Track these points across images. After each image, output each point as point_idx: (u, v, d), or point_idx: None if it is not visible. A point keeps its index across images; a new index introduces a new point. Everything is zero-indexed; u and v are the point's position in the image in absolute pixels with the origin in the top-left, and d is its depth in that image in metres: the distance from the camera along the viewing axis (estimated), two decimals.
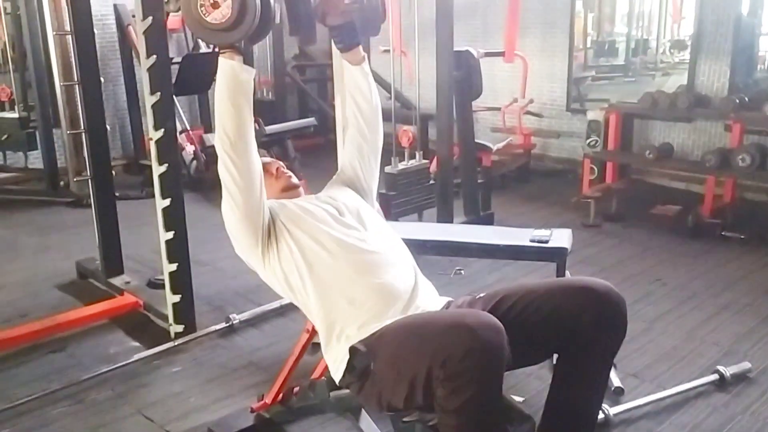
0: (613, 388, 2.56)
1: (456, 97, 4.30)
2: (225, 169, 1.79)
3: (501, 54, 5.36)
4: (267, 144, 5.37)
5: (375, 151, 2.17)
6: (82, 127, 3.52)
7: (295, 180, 2.16)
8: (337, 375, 1.79)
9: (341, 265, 1.83)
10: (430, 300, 1.90)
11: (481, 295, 1.89)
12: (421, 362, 1.50)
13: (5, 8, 5.82)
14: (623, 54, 6.84)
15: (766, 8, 5.20)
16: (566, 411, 1.85)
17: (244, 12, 1.63)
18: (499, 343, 1.48)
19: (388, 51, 4.69)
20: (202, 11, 1.63)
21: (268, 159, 2.18)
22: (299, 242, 1.86)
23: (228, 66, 1.72)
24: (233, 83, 1.73)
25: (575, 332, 1.73)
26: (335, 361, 1.79)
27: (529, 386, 2.65)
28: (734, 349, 2.95)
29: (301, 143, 6.54)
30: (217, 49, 1.76)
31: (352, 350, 1.69)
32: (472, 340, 1.45)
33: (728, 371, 2.65)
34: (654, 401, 2.54)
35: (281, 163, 2.20)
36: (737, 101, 4.41)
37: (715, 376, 2.66)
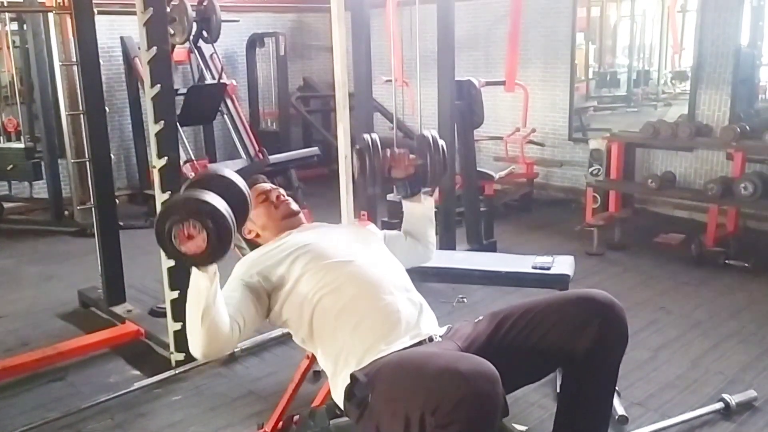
0: (617, 417, 2.53)
1: (458, 126, 4.33)
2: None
3: (502, 83, 5.41)
4: (270, 174, 5.38)
5: (411, 264, 2.24)
6: (87, 157, 3.55)
7: (294, 206, 2.17)
8: (340, 401, 1.78)
9: (346, 292, 1.83)
10: (432, 326, 1.89)
11: (481, 318, 1.89)
12: (414, 405, 1.46)
13: (14, 41, 5.93)
14: (625, 85, 6.92)
15: (766, 39, 5.25)
16: (575, 427, 1.83)
17: (219, 242, 1.59)
18: (493, 393, 1.42)
19: (390, 81, 4.75)
20: (175, 242, 1.58)
21: (267, 186, 2.20)
22: (302, 287, 1.87)
23: (194, 278, 1.67)
24: (198, 290, 1.66)
25: (579, 343, 1.72)
26: (339, 387, 1.78)
27: (531, 415, 2.63)
28: (739, 377, 2.92)
29: (305, 173, 6.57)
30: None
31: (353, 378, 1.68)
32: (465, 389, 1.39)
33: (734, 400, 2.62)
34: (659, 430, 2.51)
35: (281, 190, 2.21)
36: (738, 130, 4.42)
37: (720, 405, 2.63)
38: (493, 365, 1.46)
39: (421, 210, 2.23)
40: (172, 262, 2.99)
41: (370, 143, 2.12)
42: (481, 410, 1.40)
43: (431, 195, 2.29)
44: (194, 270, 1.66)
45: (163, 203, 2.92)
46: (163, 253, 2.94)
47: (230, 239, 1.62)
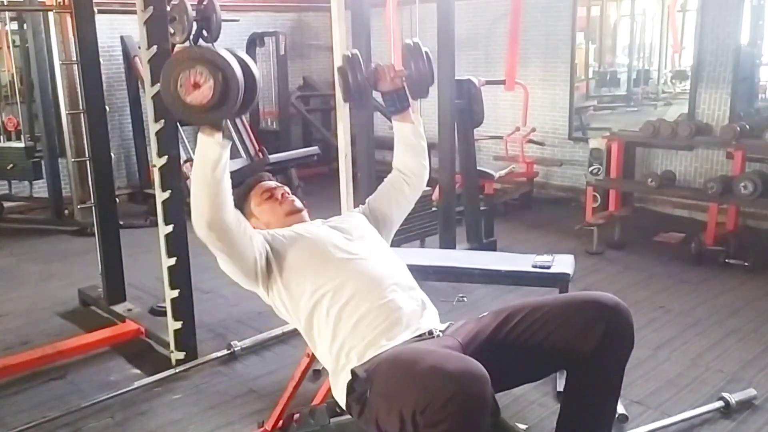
0: (617, 416, 2.53)
1: (458, 126, 4.33)
2: (207, 241, 1.77)
3: (502, 82, 5.41)
4: (271, 172, 5.38)
5: (413, 199, 2.24)
6: (87, 156, 3.55)
7: (298, 204, 2.17)
8: (342, 398, 1.78)
9: (347, 287, 1.84)
10: (434, 321, 1.89)
11: (485, 314, 1.89)
12: (406, 403, 1.47)
13: (14, 41, 5.93)
14: (625, 84, 6.92)
15: (766, 38, 5.25)
16: (578, 429, 1.83)
17: (226, 94, 1.56)
18: (481, 393, 1.42)
19: None
20: (181, 91, 1.55)
21: (272, 183, 2.20)
22: (302, 273, 1.87)
23: (203, 142, 1.66)
24: (208, 158, 1.67)
25: (584, 345, 1.71)
26: (340, 384, 1.78)
27: (531, 414, 2.63)
28: (739, 376, 2.93)
29: (305, 172, 6.58)
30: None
31: (353, 373, 1.68)
32: (452, 389, 1.39)
33: (733, 398, 2.62)
34: (659, 429, 2.51)
35: (286, 188, 2.22)
36: (738, 129, 4.42)
37: (720, 403, 2.63)
38: (486, 364, 1.46)
39: (412, 129, 2.15)
40: (172, 261, 2.99)
41: (351, 58, 2.02)
42: (469, 410, 1.40)
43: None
44: (202, 139, 1.65)
45: (164, 210, 2.92)
46: (163, 251, 2.98)
47: (237, 94, 1.58)
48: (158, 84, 2.84)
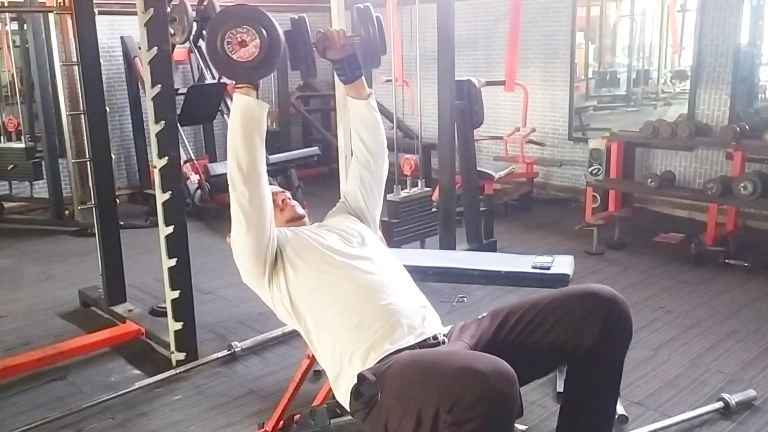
0: (617, 417, 2.53)
1: (458, 126, 4.33)
2: (237, 203, 1.80)
3: (502, 83, 5.41)
4: (271, 173, 5.40)
5: (379, 183, 2.20)
6: (87, 157, 3.56)
7: (300, 210, 2.18)
8: (345, 400, 1.78)
9: (347, 291, 1.84)
10: (436, 325, 1.90)
11: (484, 315, 1.89)
12: (428, 403, 1.47)
13: (14, 41, 5.93)
14: (625, 84, 6.91)
15: (765, 39, 5.26)
16: (579, 425, 1.84)
17: (271, 51, 1.63)
18: (511, 394, 1.42)
19: (390, 81, 4.75)
20: (228, 48, 1.61)
21: (274, 188, 2.20)
22: (305, 273, 1.88)
23: (244, 101, 1.73)
24: (249, 118, 1.73)
25: (583, 338, 1.73)
26: (342, 387, 1.79)
27: (531, 414, 2.63)
28: (739, 376, 2.93)
29: (305, 172, 6.59)
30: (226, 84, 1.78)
31: (360, 377, 1.68)
32: (483, 388, 1.40)
33: (733, 399, 2.63)
34: (659, 430, 2.51)
35: (288, 193, 2.22)
36: (738, 130, 4.43)
37: (720, 404, 2.63)
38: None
39: (366, 104, 2.07)
40: (173, 262, 2.99)
41: (297, 21, 1.95)
42: (499, 409, 1.41)
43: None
44: (240, 96, 1.71)
45: (164, 211, 2.93)
46: (164, 252, 2.98)
47: (280, 51, 1.65)
48: (159, 85, 2.87)
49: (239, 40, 1.60)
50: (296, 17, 1.97)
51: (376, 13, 2.02)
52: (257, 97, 1.74)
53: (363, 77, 2.06)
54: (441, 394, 1.44)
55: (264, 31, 1.61)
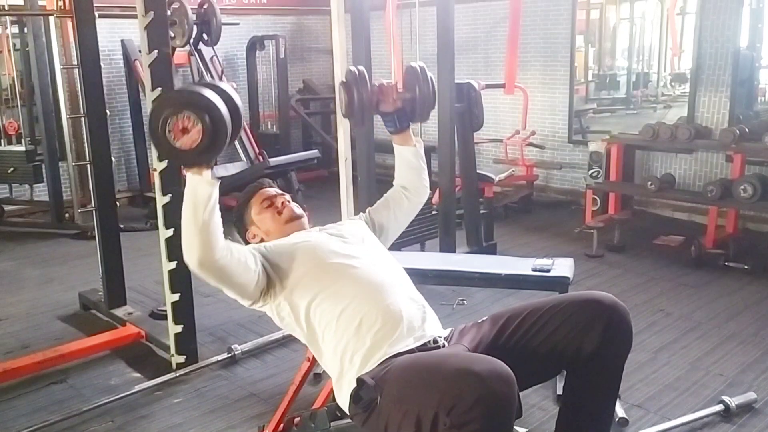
0: (617, 419, 2.53)
1: (458, 129, 4.34)
2: (204, 279, 1.77)
3: (502, 86, 5.42)
4: (271, 176, 5.39)
5: (412, 213, 2.26)
6: (88, 160, 3.56)
7: (298, 211, 2.18)
8: (346, 404, 1.78)
9: (347, 293, 1.84)
10: (436, 328, 1.90)
11: (484, 318, 1.89)
12: (427, 405, 1.47)
13: (14, 44, 5.94)
14: (624, 87, 6.93)
15: (765, 41, 5.26)
16: (578, 429, 1.84)
17: (215, 135, 1.55)
18: (509, 395, 1.43)
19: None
20: (170, 137, 1.53)
21: (272, 191, 2.20)
22: (303, 283, 1.88)
23: (193, 180, 1.65)
24: (197, 197, 1.65)
25: (584, 345, 1.73)
26: (344, 389, 1.79)
27: (532, 417, 2.63)
28: (739, 379, 2.93)
29: (305, 175, 6.59)
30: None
31: (359, 381, 1.68)
32: (481, 390, 1.40)
33: (733, 402, 2.62)
34: None
35: (287, 196, 2.22)
36: (738, 132, 4.43)
37: (720, 407, 2.63)
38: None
39: (413, 151, 2.17)
40: (173, 265, 3.00)
41: (357, 75, 2.01)
42: (498, 410, 1.42)
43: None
44: (191, 177, 1.64)
45: (164, 214, 2.93)
46: (164, 255, 2.98)
47: (225, 135, 1.57)
48: (159, 88, 2.87)
49: (180, 127, 1.53)
50: (356, 71, 2.02)
51: (430, 73, 2.08)
52: (211, 175, 1.65)
53: (410, 129, 2.14)
54: (440, 397, 1.45)
55: (206, 115, 1.53)
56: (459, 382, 1.44)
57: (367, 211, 2.27)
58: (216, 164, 1.67)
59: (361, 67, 2.05)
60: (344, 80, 2.04)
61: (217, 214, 1.69)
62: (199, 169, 1.64)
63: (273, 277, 1.89)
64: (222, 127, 1.56)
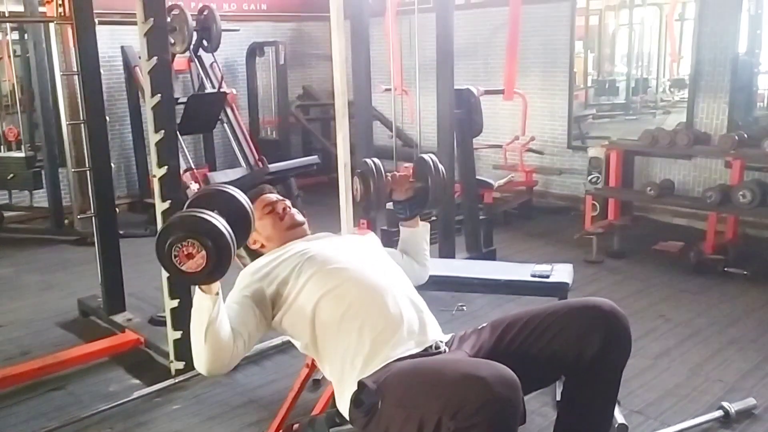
0: (617, 425, 2.52)
1: (457, 135, 4.34)
2: None
3: (501, 92, 5.43)
4: (270, 182, 5.40)
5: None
6: (87, 166, 3.56)
7: (299, 217, 2.19)
8: (345, 409, 1.78)
9: (346, 294, 1.85)
10: (437, 332, 1.90)
11: (484, 325, 1.89)
12: (431, 410, 1.47)
13: (14, 50, 5.95)
14: (624, 93, 6.94)
15: (764, 47, 5.28)
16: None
17: (219, 260, 1.59)
18: (514, 400, 1.43)
19: (389, 90, 4.77)
20: (176, 261, 1.58)
21: (273, 197, 2.21)
22: (306, 293, 1.88)
23: (198, 297, 1.69)
24: (200, 310, 1.69)
25: (583, 351, 1.73)
26: (345, 393, 1.79)
27: (531, 423, 2.63)
28: (739, 385, 2.93)
29: (305, 181, 6.59)
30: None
31: (361, 384, 1.68)
32: (486, 394, 1.41)
33: (733, 408, 2.62)
34: None
35: (287, 202, 2.23)
36: (737, 138, 4.43)
37: (720, 413, 2.63)
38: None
39: (419, 233, 2.31)
40: None
41: (374, 168, 2.18)
42: (502, 415, 1.42)
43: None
44: (199, 292, 1.68)
45: (163, 220, 2.93)
46: None
47: (230, 257, 1.62)
48: (158, 95, 2.88)
49: (186, 253, 1.57)
50: (372, 164, 2.18)
51: (441, 165, 2.24)
52: (218, 290, 1.68)
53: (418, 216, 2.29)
54: (444, 401, 1.45)
55: (209, 242, 1.57)
56: (464, 386, 1.44)
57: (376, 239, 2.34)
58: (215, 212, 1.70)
59: (377, 160, 2.20)
60: (360, 171, 2.20)
61: (224, 324, 1.71)
62: (208, 288, 1.68)
63: (276, 299, 1.91)
64: (225, 251, 1.60)
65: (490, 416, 1.40)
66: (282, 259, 1.97)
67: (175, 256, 1.58)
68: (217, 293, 1.68)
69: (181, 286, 3.04)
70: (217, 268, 1.60)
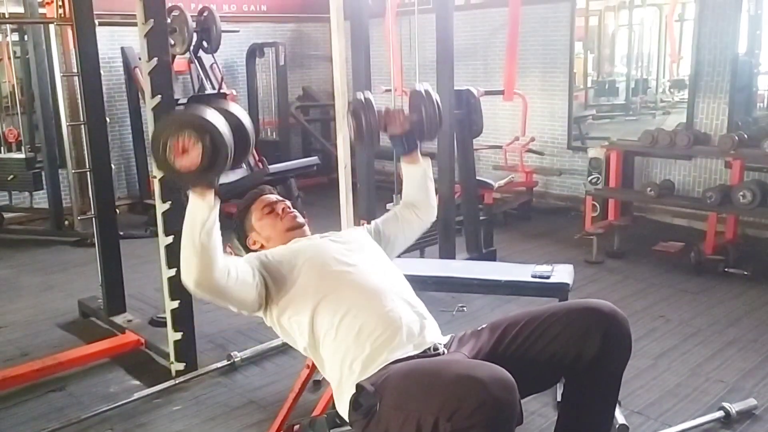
0: (617, 426, 2.52)
1: (457, 136, 4.34)
2: (202, 297, 1.78)
3: (501, 92, 5.43)
4: (270, 183, 5.40)
5: (417, 233, 2.29)
6: (87, 167, 3.56)
7: (300, 219, 2.18)
8: (344, 411, 1.78)
9: (348, 298, 1.84)
10: (435, 335, 1.90)
11: (483, 326, 1.89)
12: (428, 411, 1.47)
13: (14, 52, 5.95)
14: (624, 93, 6.94)
15: (763, 48, 5.28)
16: None
17: (215, 157, 1.55)
18: (510, 401, 1.43)
19: (389, 90, 4.76)
20: (170, 157, 1.54)
21: (273, 197, 2.20)
22: (303, 291, 1.88)
23: (192, 204, 1.65)
24: (195, 220, 1.65)
25: (583, 353, 1.73)
26: (344, 396, 1.78)
27: (532, 424, 2.63)
28: (739, 385, 2.92)
29: (305, 182, 6.59)
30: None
31: (359, 387, 1.68)
32: (483, 395, 1.41)
33: (734, 408, 2.62)
34: None
35: (287, 202, 2.22)
36: (737, 138, 4.44)
37: (720, 413, 2.62)
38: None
39: (421, 171, 2.21)
40: (172, 272, 2.99)
41: (364, 101, 2.10)
42: (499, 417, 1.42)
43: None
44: (192, 198, 1.64)
45: (164, 221, 2.93)
46: (163, 262, 2.98)
47: (226, 157, 1.58)
48: (159, 96, 2.88)
49: (181, 147, 1.54)
50: (363, 98, 2.09)
51: (435, 96, 2.15)
52: (213, 197, 1.65)
53: (418, 149, 2.19)
54: (441, 403, 1.45)
55: (207, 136, 1.53)
56: (460, 387, 1.44)
57: (373, 222, 2.28)
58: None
59: (367, 93, 2.13)
60: (352, 107, 2.13)
61: (216, 236, 1.68)
62: (201, 190, 1.64)
63: (271, 286, 1.89)
64: (222, 149, 1.56)
65: (486, 417, 1.40)
66: (284, 253, 1.97)
67: (170, 151, 1.53)
68: (214, 204, 1.64)
69: (182, 288, 3.03)
70: (212, 165, 1.55)
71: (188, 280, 1.70)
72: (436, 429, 1.45)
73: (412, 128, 2.14)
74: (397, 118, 2.13)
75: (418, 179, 2.22)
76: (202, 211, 1.64)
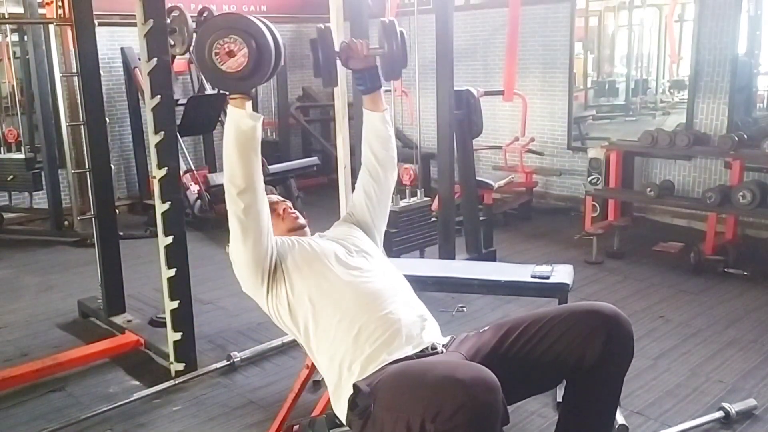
0: (617, 426, 2.52)
1: (457, 136, 4.34)
2: (233, 214, 1.81)
3: (501, 93, 5.43)
4: (270, 183, 5.41)
5: (386, 196, 2.21)
6: (87, 167, 3.56)
7: (301, 220, 2.18)
8: (343, 412, 1.78)
9: (347, 300, 1.84)
10: (435, 335, 1.90)
11: (486, 328, 1.89)
12: (415, 413, 1.47)
13: (14, 52, 5.95)
14: (623, 94, 6.94)
15: (763, 48, 5.28)
16: None
17: (260, 61, 1.59)
18: (491, 402, 1.43)
19: (389, 91, 4.76)
20: (216, 60, 1.58)
21: (275, 198, 2.21)
22: (305, 283, 1.88)
23: (237, 114, 1.71)
24: (242, 131, 1.72)
25: (585, 356, 1.72)
26: (341, 397, 1.78)
27: (532, 424, 2.63)
28: (739, 386, 2.92)
29: (304, 182, 6.60)
30: (226, 94, 1.75)
31: (355, 388, 1.68)
32: (463, 397, 1.40)
33: (733, 408, 2.62)
34: None
35: (289, 203, 2.22)
36: (736, 139, 4.44)
37: (720, 414, 2.62)
38: (494, 374, 1.47)
39: (381, 117, 2.12)
40: (172, 272, 2.99)
41: (324, 30, 2.00)
42: (480, 418, 1.41)
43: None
44: (234, 110, 1.68)
45: (163, 221, 2.93)
46: (163, 262, 2.98)
47: (270, 61, 1.61)
48: (158, 96, 2.88)
49: (227, 50, 1.57)
50: (322, 27, 2.01)
51: (400, 28, 2.05)
52: (252, 107, 1.72)
53: (381, 90, 2.10)
54: (425, 404, 1.45)
55: (252, 40, 1.57)
56: (442, 389, 1.44)
57: (349, 213, 2.25)
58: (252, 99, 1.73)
59: (328, 24, 2.05)
60: (312, 38, 2.04)
61: (258, 145, 1.74)
62: (241, 99, 1.69)
63: (278, 265, 1.90)
64: (267, 54, 1.60)
65: (467, 419, 1.40)
66: (289, 241, 1.98)
67: (216, 54, 1.57)
68: (258, 116, 1.69)
69: (181, 288, 3.05)
70: (256, 69, 1.59)
71: (234, 185, 1.75)
72: (423, 429, 1.45)
73: (376, 63, 2.03)
74: (359, 51, 2.02)
75: (378, 126, 2.12)
76: (247, 121, 1.69)
